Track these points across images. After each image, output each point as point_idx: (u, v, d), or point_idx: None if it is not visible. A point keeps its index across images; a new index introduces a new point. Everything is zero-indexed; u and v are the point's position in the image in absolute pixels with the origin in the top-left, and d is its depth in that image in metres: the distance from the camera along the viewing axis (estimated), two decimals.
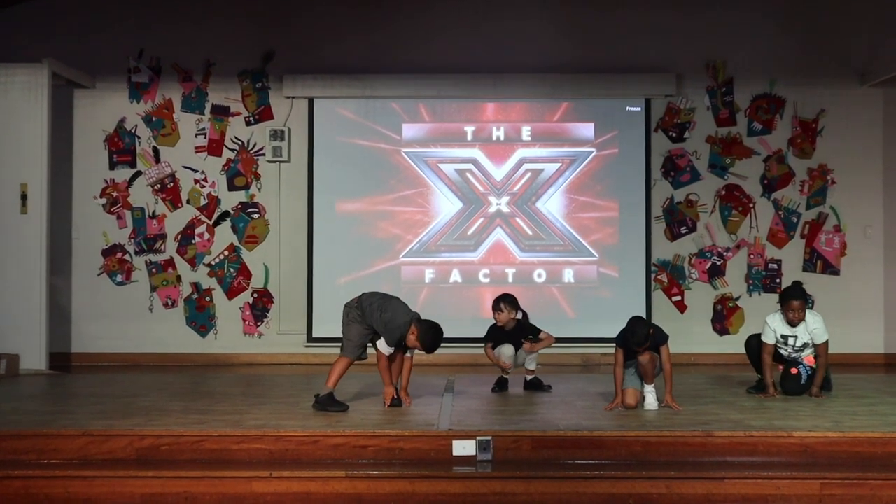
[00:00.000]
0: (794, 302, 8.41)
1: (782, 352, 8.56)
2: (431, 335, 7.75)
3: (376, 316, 7.75)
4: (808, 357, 8.48)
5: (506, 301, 8.97)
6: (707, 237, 12.01)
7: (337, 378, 7.73)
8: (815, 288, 11.69)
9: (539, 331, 9.01)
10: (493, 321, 9.02)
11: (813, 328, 8.41)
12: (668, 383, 7.81)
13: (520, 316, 9.00)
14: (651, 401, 7.78)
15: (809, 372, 8.44)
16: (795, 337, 8.46)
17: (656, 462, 6.62)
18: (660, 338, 7.81)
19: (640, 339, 7.63)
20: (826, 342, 8.43)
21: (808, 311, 8.46)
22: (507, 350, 8.93)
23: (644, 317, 9.03)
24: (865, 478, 6.39)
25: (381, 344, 7.78)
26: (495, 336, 9.03)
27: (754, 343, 8.76)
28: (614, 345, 7.88)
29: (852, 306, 11.83)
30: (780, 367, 8.70)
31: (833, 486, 6.33)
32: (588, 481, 6.38)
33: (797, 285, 8.59)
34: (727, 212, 12.00)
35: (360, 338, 7.82)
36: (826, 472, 6.42)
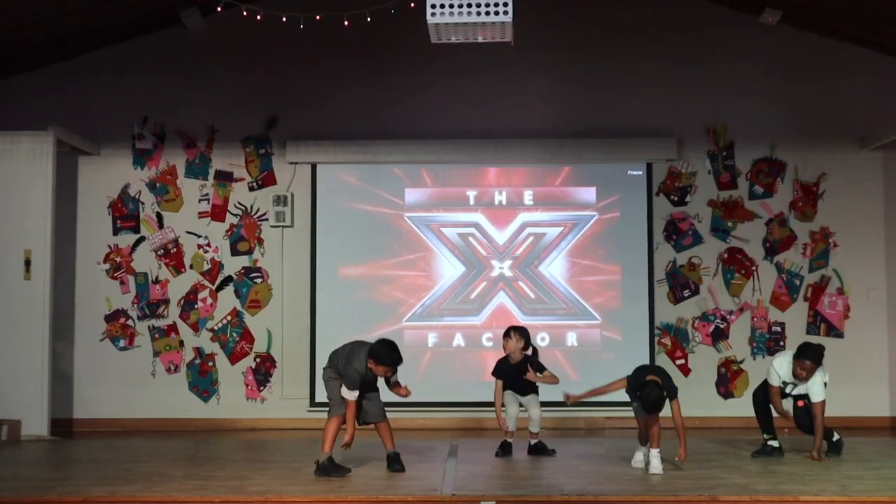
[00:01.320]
0: (808, 362, 8.43)
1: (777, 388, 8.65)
2: (387, 351, 7.71)
3: (342, 366, 7.76)
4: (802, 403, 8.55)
5: (516, 330, 8.97)
6: (710, 300, 12.01)
7: (331, 441, 7.68)
8: None
9: (545, 369, 8.98)
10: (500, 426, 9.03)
11: (811, 386, 8.44)
12: (681, 438, 7.81)
13: (529, 351, 8.96)
14: (656, 465, 7.74)
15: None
16: (794, 386, 8.54)
17: None
18: (670, 392, 7.83)
19: (652, 405, 7.65)
20: (823, 402, 8.42)
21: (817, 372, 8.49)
22: (511, 410, 8.88)
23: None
24: None
25: (344, 390, 7.72)
26: (503, 370, 8.98)
27: (761, 395, 8.75)
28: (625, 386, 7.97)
29: (857, 369, 11.80)
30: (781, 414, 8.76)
31: None
32: None
33: (819, 349, 8.59)
34: (730, 275, 12.01)
35: (340, 394, 7.78)
36: None
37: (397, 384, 7.95)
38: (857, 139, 12.03)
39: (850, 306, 11.96)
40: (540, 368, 8.93)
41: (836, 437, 8.74)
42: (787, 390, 8.57)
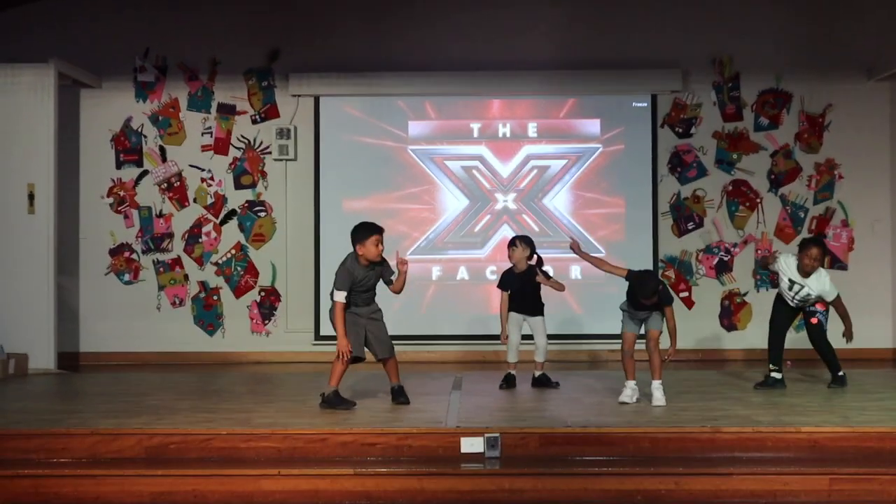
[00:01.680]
0: (814, 249, 8.54)
1: (786, 298, 8.70)
2: (363, 226, 7.76)
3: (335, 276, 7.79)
4: (819, 304, 8.60)
5: (521, 239, 9.05)
6: (714, 233, 12.00)
7: (338, 377, 7.69)
8: None
9: (551, 277, 9.05)
10: (501, 340, 9.06)
11: (822, 287, 8.56)
12: (672, 340, 7.87)
13: (534, 261, 9.03)
14: (659, 396, 7.78)
15: (826, 315, 8.59)
16: (802, 287, 8.57)
17: (664, 458, 6.61)
18: (666, 298, 7.90)
19: (648, 291, 7.71)
20: (838, 296, 8.61)
21: (819, 274, 8.58)
22: (514, 338, 8.95)
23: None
24: (874, 473, 6.37)
25: (334, 293, 7.70)
26: (508, 281, 9.03)
27: (777, 324, 8.81)
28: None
29: (860, 301, 11.74)
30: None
31: (842, 481, 6.31)
32: (596, 478, 6.37)
33: (820, 237, 8.71)
34: (734, 207, 11.99)
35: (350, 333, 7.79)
36: (835, 468, 6.41)
37: (400, 265, 7.88)
38: (863, 70, 11.93)
39: (854, 239, 11.95)
40: (546, 276, 8.98)
41: (840, 371, 8.77)
42: (794, 290, 8.59)
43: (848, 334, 8.63)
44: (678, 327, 7.92)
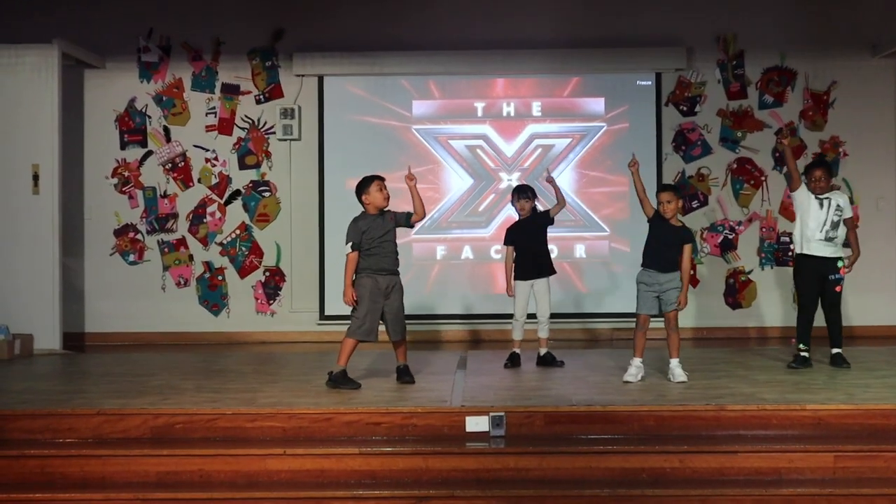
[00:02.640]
0: (816, 171, 8.70)
1: (813, 225, 8.65)
2: (363, 179, 7.99)
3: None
4: (842, 269, 8.63)
5: (527, 190, 9.10)
6: (719, 211, 11.99)
7: (346, 356, 7.74)
8: None
9: (548, 213, 9.11)
10: (505, 292, 9.05)
11: (846, 201, 8.73)
12: (684, 284, 7.94)
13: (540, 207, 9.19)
14: (680, 373, 7.83)
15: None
16: (829, 199, 8.64)
17: (669, 436, 6.63)
18: (687, 234, 8.09)
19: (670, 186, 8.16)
20: (853, 218, 8.80)
21: (842, 190, 8.69)
22: (520, 307, 8.95)
23: None
24: (879, 450, 6.40)
25: (344, 247, 7.87)
26: (514, 236, 9.04)
27: (806, 296, 8.82)
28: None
29: (864, 279, 11.76)
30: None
31: (846, 458, 6.34)
32: (601, 456, 6.40)
33: (820, 157, 8.76)
34: (739, 185, 11.97)
35: (361, 311, 7.81)
36: (839, 445, 6.44)
37: (407, 180, 8.08)
38: (868, 47, 11.89)
39: (859, 216, 11.91)
40: (547, 216, 9.05)
41: (840, 349, 8.75)
42: (824, 208, 8.62)
43: (850, 264, 8.75)
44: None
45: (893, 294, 11.92)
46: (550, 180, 9.27)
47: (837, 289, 8.64)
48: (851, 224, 8.76)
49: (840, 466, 6.33)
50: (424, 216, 8.20)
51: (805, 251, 8.71)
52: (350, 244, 7.81)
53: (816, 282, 8.71)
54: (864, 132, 11.90)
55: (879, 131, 11.93)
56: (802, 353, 8.69)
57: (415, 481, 6.31)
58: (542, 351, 9.03)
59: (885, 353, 9.80)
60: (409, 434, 6.69)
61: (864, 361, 8.95)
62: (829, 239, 8.61)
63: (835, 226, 8.60)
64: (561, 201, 9.07)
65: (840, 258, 8.64)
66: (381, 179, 7.96)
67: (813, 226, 8.64)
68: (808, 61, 11.95)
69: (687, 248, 7.96)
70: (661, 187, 8.26)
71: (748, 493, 6.14)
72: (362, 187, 7.92)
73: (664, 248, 7.97)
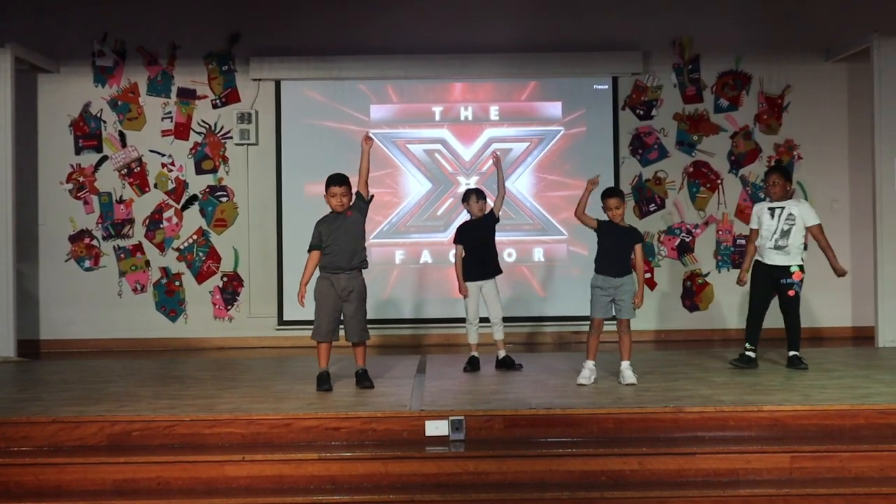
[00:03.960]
0: (772, 176, 8.82)
1: (765, 234, 8.77)
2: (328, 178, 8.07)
3: None
4: (795, 273, 8.67)
5: (477, 193, 9.10)
6: (676, 214, 12.06)
7: (319, 357, 7.90)
8: None
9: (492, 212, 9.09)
10: (460, 293, 9.05)
11: (803, 210, 8.75)
12: (640, 283, 8.06)
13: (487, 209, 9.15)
14: (629, 375, 7.88)
15: (801, 288, 8.72)
16: (782, 208, 8.72)
17: (628, 439, 6.67)
18: (637, 234, 8.19)
19: (615, 191, 8.18)
20: (819, 226, 8.79)
21: (803, 199, 8.76)
22: (472, 311, 8.96)
23: None
24: (835, 450, 6.47)
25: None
26: (464, 235, 9.07)
27: (756, 302, 8.91)
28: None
29: (820, 280, 11.83)
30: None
31: (803, 458, 6.40)
32: (561, 459, 6.42)
33: (778, 163, 8.84)
34: (695, 188, 12.05)
35: (320, 314, 7.89)
36: (796, 446, 6.50)
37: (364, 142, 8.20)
38: (821, 51, 12.01)
39: None
40: (493, 218, 9.07)
41: (797, 352, 8.81)
42: (776, 215, 8.71)
43: (836, 266, 8.82)
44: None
45: (848, 295, 12.02)
46: (497, 160, 9.18)
47: (791, 293, 8.72)
48: (816, 231, 8.77)
49: (796, 467, 6.39)
50: (366, 185, 8.17)
51: (758, 257, 8.86)
52: (311, 246, 7.96)
53: (768, 287, 8.83)
54: (818, 135, 12.02)
55: (833, 134, 12.05)
56: (748, 353, 8.80)
57: (374, 486, 6.31)
58: (501, 354, 9.04)
59: (840, 354, 9.90)
60: (369, 439, 6.68)
61: (821, 363, 9.03)
62: (779, 247, 8.70)
63: (785, 234, 8.68)
64: (501, 189, 9.07)
65: (794, 265, 8.70)
66: (336, 184, 8.00)
67: (765, 234, 8.80)
68: (762, 65, 12.05)
69: (639, 247, 8.09)
70: (608, 192, 8.17)
71: (706, 494, 6.18)
72: (326, 185, 8.09)
73: (617, 252, 8.06)
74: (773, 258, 8.73)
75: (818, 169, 12.02)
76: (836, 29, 11.86)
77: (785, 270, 8.70)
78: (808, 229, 8.74)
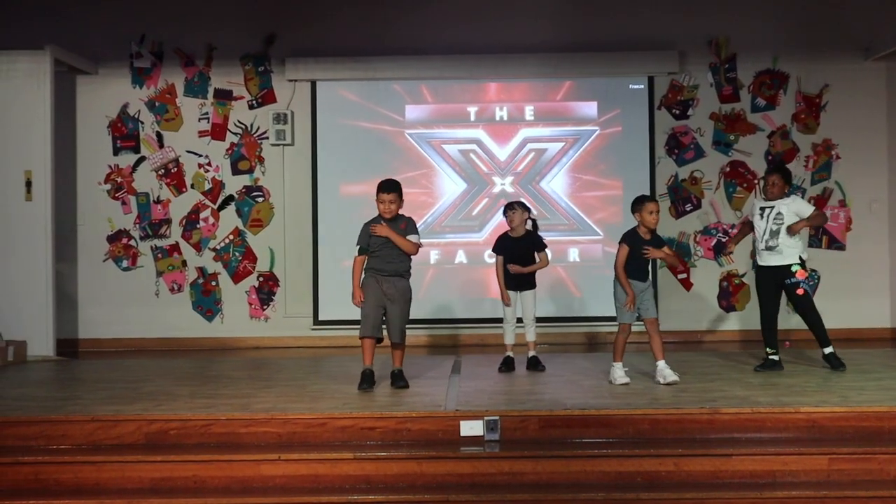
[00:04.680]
0: (772, 176, 8.80)
1: (757, 235, 8.80)
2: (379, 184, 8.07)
3: None
4: (798, 272, 8.60)
5: (519, 203, 9.10)
6: (712, 214, 12.00)
7: (367, 355, 7.90)
8: (821, 263, 11.71)
9: (544, 245, 9.05)
10: (500, 301, 9.02)
11: (796, 207, 8.69)
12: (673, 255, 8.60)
13: (530, 225, 9.08)
14: (669, 374, 7.91)
15: (814, 283, 8.67)
16: (772, 208, 8.69)
17: (664, 440, 6.64)
18: (659, 236, 8.42)
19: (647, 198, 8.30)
20: (816, 209, 8.80)
21: (794, 196, 8.89)
22: (509, 315, 8.97)
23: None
24: (873, 452, 6.41)
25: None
26: (504, 246, 9.04)
27: (767, 309, 8.86)
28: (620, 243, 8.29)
29: (858, 281, 11.83)
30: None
31: (841, 460, 6.35)
32: (596, 460, 6.40)
33: (781, 163, 8.82)
34: (732, 188, 11.98)
35: (367, 308, 7.91)
36: (834, 447, 6.44)
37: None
38: (860, 49, 11.91)
39: (852, 219, 11.94)
40: (539, 244, 9.02)
41: (830, 347, 8.74)
42: (766, 215, 8.70)
43: (802, 224, 8.65)
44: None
45: (887, 296, 11.92)
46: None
47: (799, 292, 8.63)
48: (815, 214, 8.67)
49: (834, 469, 6.34)
50: (414, 253, 8.14)
51: (757, 260, 8.87)
52: (357, 247, 7.99)
53: (773, 288, 8.79)
54: (856, 135, 11.92)
55: (871, 134, 11.94)
56: (771, 357, 8.76)
57: (409, 486, 6.31)
58: (531, 353, 9.04)
59: (879, 356, 9.80)
60: (404, 439, 6.68)
61: (859, 364, 8.96)
62: (770, 248, 8.67)
63: (774, 234, 8.62)
64: (543, 263, 9.08)
65: (794, 264, 8.62)
66: (384, 191, 7.99)
67: (757, 237, 8.80)
68: (799, 64, 11.97)
69: (666, 246, 8.43)
70: (647, 198, 8.35)
71: (743, 496, 6.14)
72: (377, 192, 8.07)
73: (644, 258, 8.16)
74: (767, 259, 8.71)
75: (856, 169, 11.92)
76: (875, 27, 11.76)
77: (787, 270, 8.63)
78: (808, 216, 8.64)
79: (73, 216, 11.99)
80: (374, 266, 7.94)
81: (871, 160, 11.94)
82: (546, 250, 9.02)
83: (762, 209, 8.75)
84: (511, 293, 8.97)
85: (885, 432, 6.68)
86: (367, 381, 7.75)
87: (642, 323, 8.20)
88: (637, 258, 8.12)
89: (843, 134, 11.93)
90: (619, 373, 8.00)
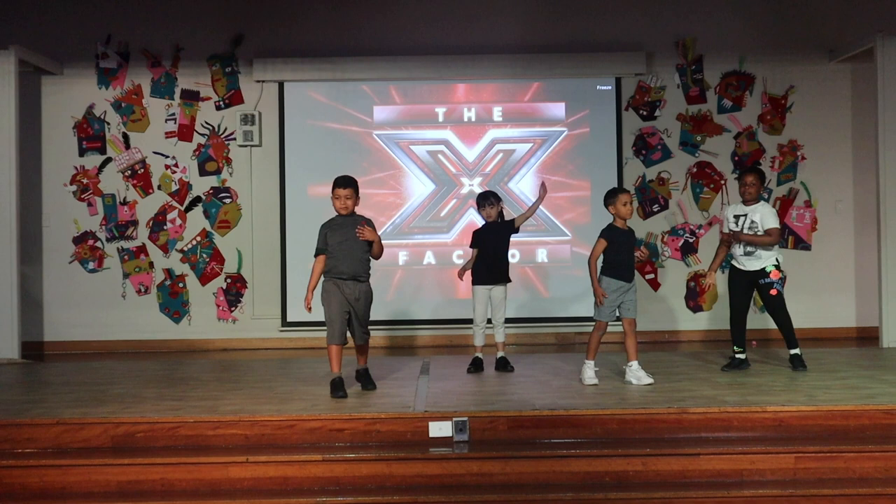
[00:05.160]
0: (748, 176, 8.79)
1: (736, 252, 8.82)
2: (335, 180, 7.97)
3: None
4: (773, 272, 8.65)
5: (494, 195, 9.13)
6: (679, 215, 12.05)
7: (331, 361, 7.76)
8: (788, 263, 11.74)
9: (512, 219, 9.12)
10: (472, 297, 9.05)
11: (763, 214, 8.68)
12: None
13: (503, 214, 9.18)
14: (642, 375, 7.93)
15: (782, 284, 8.69)
16: (745, 216, 8.73)
17: (632, 440, 6.66)
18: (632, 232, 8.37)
19: (619, 190, 8.23)
20: (777, 229, 8.67)
21: (764, 202, 8.84)
22: (480, 313, 8.99)
23: None
24: (839, 451, 6.45)
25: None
26: (480, 238, 9.06)
27: (736, 307, 8.88)
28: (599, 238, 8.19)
29: (824, 281, 11.92)
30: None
31: (807, 459, 6.39)
32: (565, 460, 6.41)
33: (755, 164, 8.82)
34: (699, 189, 12.04)
35: (331, 313, 7.82)
36: (800, 446, 6.49)
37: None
38: (825, 51, 11.99)
39: (817, 219, 12.03)
40: (511, 225, 9.06)
41: (797, 349, 8.79)
42: (740, 224, 8.72)
43: (745, 235, 8.65)
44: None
45: (852, 296, 12.01)
46: (544, 189, 9.18)
47: (773, 292, 8.68)
48: (772, 231, 8.61)
49: (801, 467, 6.38)
50: (378, 257, 8.07)
51: (734, 263, 8.91)
52: (317, 249, 7.90)
53: (746, 288, 8.85)
54: (821, 136, 12.00)
55: (836, 134, 12.03)
56: (737, 356, 8.82)
57: (378, 487, 6.31)
58: (499, 354, 9.06)
59: (845, 355, 9.88)
60: (373, 440, 6.68)
61: (825, 363, 9.03)
62: (748, 253, 8.72)
63: (751, 235, 8.67)
64: (533, 209, 9.11)
65: (769, 265, 8.66)
66: (340, 186, 7.91)
67: (734, 244, 8.82)
68: (766, 66, 12.04)
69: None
70: (620, 189, 8.33)
71: (711, 495, 6.17)
72: (333, 187, 7.98)
73: (629, 255, 8.10)
74: (746, 264, 8.75)
75: (822, 169, 12.00)
76: (840, 29, 11.87)
77: (761, 272, 8.69)
78: (766, 231, 8.63)
79: (39, 217, 11.89)
80: (334, 269, 7.79)
81: (836, 161, 12.03)
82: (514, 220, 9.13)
83: (736, 216, 8.78)
84: (483, 290, 8.97)
85: (851, 431, 6.73)
86: (340, 388, 7.65)
87: (619, 322, 8.17)
88: (619, 254, 8.06)
89: (809, 135, 12.01)
90: (589, 373, 8.01)
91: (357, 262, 7.84)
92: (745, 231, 8.66)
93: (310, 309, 7.79)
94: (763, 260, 8.67)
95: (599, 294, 7.99)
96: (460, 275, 9.12)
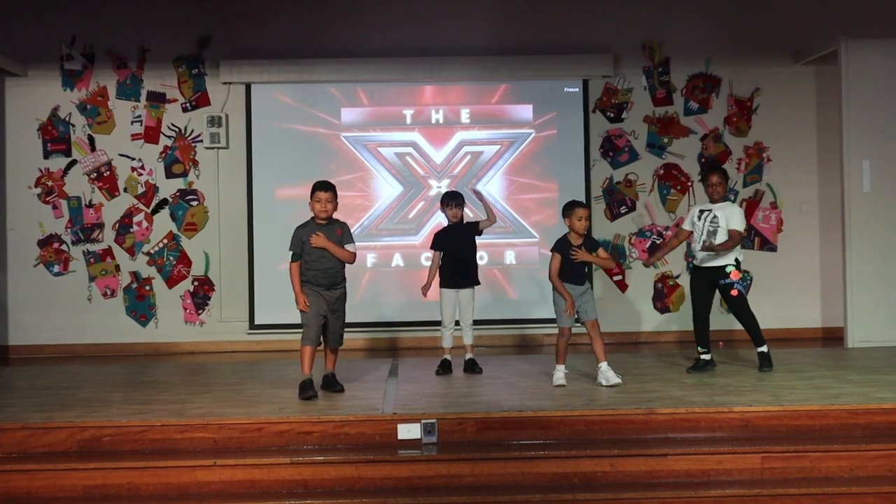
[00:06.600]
0: (712, 176, 8.83)
1: (695, 237, 8.86)
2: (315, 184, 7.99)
3: None
4: (733, 272, 8.67)
5: (456, 196, 9.19)
6: (646, 216, 12.10)
7: (303, 362, 7.78)
8: (753, 264, 11.84)
9: (476, 222, 9.17)
10: (428, 297, 9.12)
11: (729, 214, 8.71)
12: (610, 259, 8.72)
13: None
14: (612, 376, 7.96)
15: (746, 283, 8.71)
16: (710, 211, 8.76)
17: (600, 441, 6.69)
18: (594, 239, 8.46)
19: (577, 204, 8.32)
20: (739, 232, 8.69)
21: (730, 202, 8.93)
22: (447, 315, 9.01)
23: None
24: (805, 450, 6.51)
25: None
26: (443, 241, 9.09)
27: (698, 308, 8.91)
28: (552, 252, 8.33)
29: (790, 282, 12.00)
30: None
31: (774, 459, 6.44)
32: (533, 461, 6.43)
33: (717, 163, 8.87)
34: (666, 191, 12.09)
35: (308, 317, 7.82)
36: (767, 446, 6.54)
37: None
38: (790, 53, 12.08)
39: (783, 220, 12.11)
40: (475, 227, 9.12)
41: (764, 346, 8.83)
42: (704, 217, 8.77)
43: (710, 243, 8.65)
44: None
45: (818, 297, 12.10)
46: (477, 194, 9.31)
47: (733, 293, 8.71)
48: (735, 234, 8.63)
49: (767, 467, 6.43)
50: (351, 262, 8.12)
51: (695, 262, 8.96)
52: (291, 252, 7.90)
53: (707, 288, 8.87)
54: (787, 137, 12.09)
55: (802, 136, 12.12)
56: (702, 357, 8.86)
57: (347, 490, 6.30)
58: (468, 356, 9.08)
59: (810, 355, 9.96)
60: (341, 443, 6.67)
61: (791, 363, 9.09)
62: (710, 236, 8.75)
63: (711, 235, 8.69)
64: (490, 217, 9.14)
65: (729, 264, 8.70)
66: (321, 189, 7.93)
67: (695, 238, 8.88)
68: (732, 68, 12.12)
69: (601, 251, 8.37)
70: (577, 203, 8.39)
71: (678, 495, 6.20)
72: (312, 192, 7.99)
73: (580, 263, 8.25)
74: (704, 261, 8.79)
75: (787, 171, 12.08)
76: (805, 32, 11.95)
77: (721, 271, 8.71)
78: (729, 232, 8.66)
79: (3, 220, 11.80)
80: (311, 280, 7.85)
81: (801, 162, 12.11)
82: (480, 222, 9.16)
83: (701, 211, 8.82)
84: (450, 292, 8.98)
85: (817, 430, 6.79)
86: (311, 388, 7.65)
87: (583, 325, 8.22)
88: (570, 263, 8.15)
89: (774, 136, 12.10)
90: (558, 374, 8.06)
91: (335, 273, 7.95)
92: (707, 225, 8.67)
93: (306, 307, 7.78)
94: (724, 257, 8.69)
95: (569, 304, 8.03)
96: (424, 291, 9.10)
